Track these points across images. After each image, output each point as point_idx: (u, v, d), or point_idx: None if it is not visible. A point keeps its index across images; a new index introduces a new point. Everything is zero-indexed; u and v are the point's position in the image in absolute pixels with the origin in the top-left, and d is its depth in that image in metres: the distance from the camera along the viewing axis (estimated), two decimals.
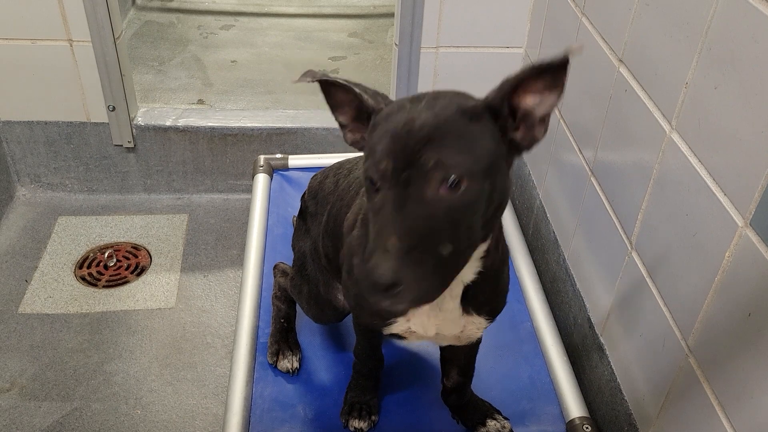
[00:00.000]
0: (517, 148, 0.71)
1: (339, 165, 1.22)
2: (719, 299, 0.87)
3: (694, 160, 0.93)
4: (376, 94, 0.75)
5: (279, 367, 1.27)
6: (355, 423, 1.16)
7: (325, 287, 1.19)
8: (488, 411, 1.19)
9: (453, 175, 0.64)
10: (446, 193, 0.65)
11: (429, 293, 0.66)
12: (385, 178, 0.66)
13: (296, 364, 1.27)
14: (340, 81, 0.75)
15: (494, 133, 0.68)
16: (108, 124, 1.87)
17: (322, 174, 1.26)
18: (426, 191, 0.65)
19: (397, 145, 0.65)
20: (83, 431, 1.37)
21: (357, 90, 0.75)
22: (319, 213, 1.19)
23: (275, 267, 1.40)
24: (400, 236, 0.63)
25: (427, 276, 0.64)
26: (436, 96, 0.70)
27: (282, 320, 1.33)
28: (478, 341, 1.08)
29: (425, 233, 0.64)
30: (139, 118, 1.90)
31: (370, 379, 1.17)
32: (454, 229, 0.66)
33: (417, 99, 0.70)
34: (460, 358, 1.11)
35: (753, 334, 0.80)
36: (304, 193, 1.30)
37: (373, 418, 1.17)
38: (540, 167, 1.64)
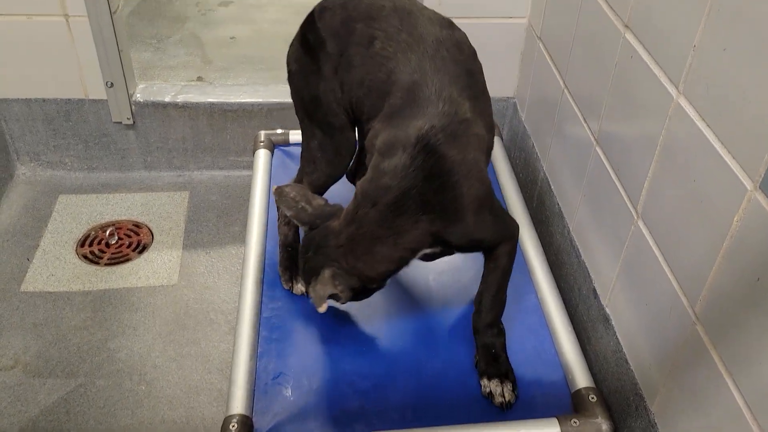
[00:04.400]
0: None
1: (370, 15, 1.13)
2: (727, 265, 0.86)
3: (701, 125, 0.91)
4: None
5: (294, 291, 1.35)
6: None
7: (339, 119, 1.19)
8: (504, 374, 1.16)
9: None
10: None
11: None
12: None
13: None
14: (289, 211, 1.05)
15: None
16: (107, 100, 1.86)
17: (343, 11, 1.16)
18: None
19: None
20: (88, 407, 1.37)
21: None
22: (337, 56, 1.14)
23: (276, 192, 1.39)
24: None
25: None
26: None
27: (288, 248, 1.38)
28: (499, 276, 1.16)
29: None
30: (138, 95, 1.88)
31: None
32: None
33: None
34: (482, 285, 1.19)
35: (762, 298, 0.79)
36: (313, 22, 1.18)
37: None
38: (544, 140, 1.62)
